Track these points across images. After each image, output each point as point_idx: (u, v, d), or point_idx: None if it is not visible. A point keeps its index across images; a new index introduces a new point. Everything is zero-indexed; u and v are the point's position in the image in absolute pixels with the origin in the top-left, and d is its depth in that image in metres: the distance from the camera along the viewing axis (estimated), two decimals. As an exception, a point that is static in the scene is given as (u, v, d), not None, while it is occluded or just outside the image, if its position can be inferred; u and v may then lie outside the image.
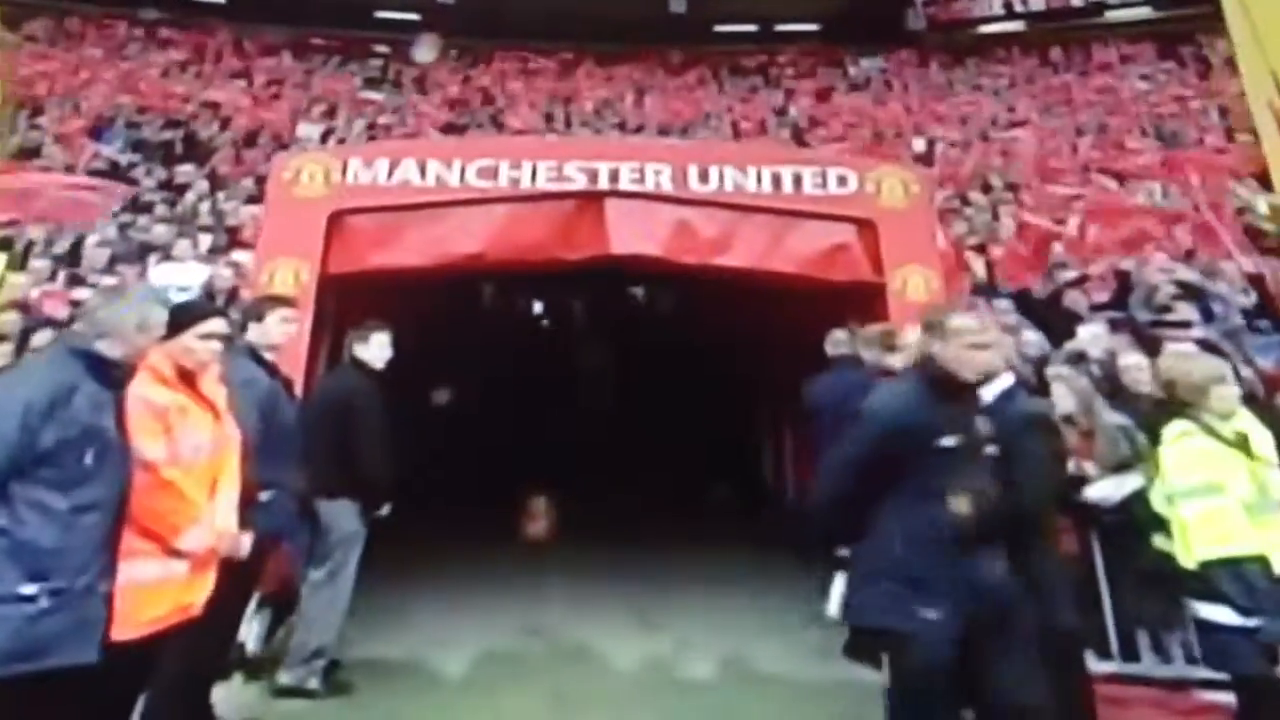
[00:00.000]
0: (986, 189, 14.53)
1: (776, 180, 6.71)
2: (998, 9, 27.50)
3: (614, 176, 6.63)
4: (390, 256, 6.44)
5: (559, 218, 6.56)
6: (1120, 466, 5.78)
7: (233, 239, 10.18)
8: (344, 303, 6.82)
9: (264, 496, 4.67)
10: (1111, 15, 26.91)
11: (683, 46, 26.37)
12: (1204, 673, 5.41)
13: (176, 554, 3.82)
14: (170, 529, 3.79)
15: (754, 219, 6.69)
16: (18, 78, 19.24)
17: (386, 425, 5.68)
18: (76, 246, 10.19)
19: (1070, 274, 9.21)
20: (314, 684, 5.39)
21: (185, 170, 14.62)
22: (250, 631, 5.78)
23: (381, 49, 26.30)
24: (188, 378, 4.04)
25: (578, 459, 11.41)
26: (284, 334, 5.20)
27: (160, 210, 12.21)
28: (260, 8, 25.64)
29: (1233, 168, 12.31)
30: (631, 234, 6.50)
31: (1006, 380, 4.30)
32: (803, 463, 9.66)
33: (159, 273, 9.04)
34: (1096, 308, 8.38)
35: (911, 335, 5.63)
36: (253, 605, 5.63)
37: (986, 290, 9.01)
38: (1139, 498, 5.40)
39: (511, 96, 22.40)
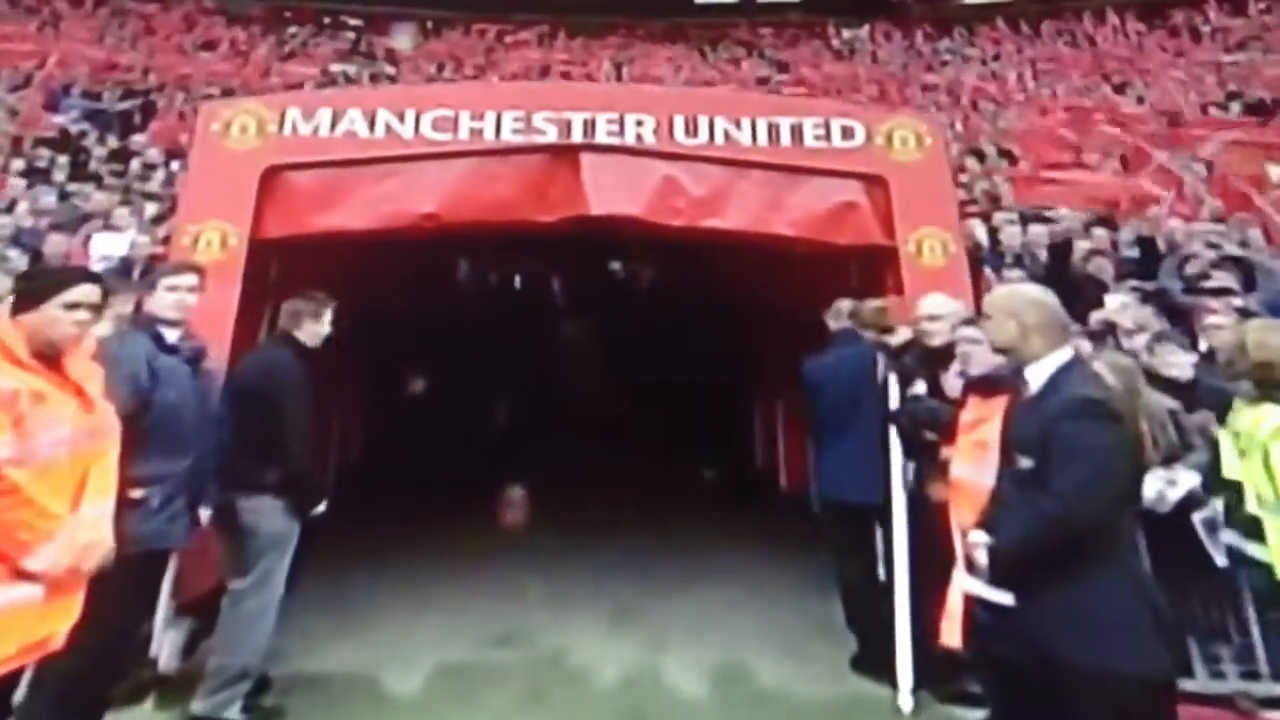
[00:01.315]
0: (980, 157, 13.73)
1: (774, 132, 5.80)
2: (984, -20, 26.83)
3: (589, 128, 5.70)
4: (333, 218, 5.51)
5: (528, 174, 5.63)
6: (1167, 459, 5.00)
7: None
8: (290, 271, 5.94)
9: (138, 494, 3.91)
10: (1098, -15, 26.23)
11: (664, 19, 25.54)
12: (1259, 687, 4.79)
13: (27, 576, 2.96)
14: (17, 545, 2.93)
15: (749, 176, 5.77)
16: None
17: (312, 409, 4.81)
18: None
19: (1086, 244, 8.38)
20: (233, 712, 4.49)
21: (139, 140, 13.69)
22: (164, 646, 4.91)
23: (355, 22, 25.45)
24: (48, 357, 3.15)
25: (556, 443, 10.64)
26: (176, 304, 4.34)
27: (109, 180, 11.30)
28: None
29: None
30: (611, 193, 5.59)
31: (1062, 355, 3.40)
32: (795, 445, 8.85)
33: (96, 241, 8.26)
34: (1122, 276, 7.56)
35: (937, 305, 4.81)
36: (164, 614, 4.80)
37: (992, 259, 8.16)
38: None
39: (488, 70, 21.46)
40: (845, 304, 5.64)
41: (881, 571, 5.30)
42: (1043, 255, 8.34)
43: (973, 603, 3.56)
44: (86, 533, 3.14)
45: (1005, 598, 3.26)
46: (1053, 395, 3.25)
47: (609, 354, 13.76)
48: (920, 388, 4.68)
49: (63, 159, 12.22)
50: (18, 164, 11.86)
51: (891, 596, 4.96)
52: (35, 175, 11.45)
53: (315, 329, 4.97)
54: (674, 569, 7.18)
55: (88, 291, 3.27)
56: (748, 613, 6.37)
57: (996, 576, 3.23)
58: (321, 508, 4.95)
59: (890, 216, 5.73)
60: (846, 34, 24.99)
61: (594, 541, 7.69)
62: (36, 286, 3.19)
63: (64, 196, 10.46)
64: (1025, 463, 3.18)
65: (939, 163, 5.90)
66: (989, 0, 26.43)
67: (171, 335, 4.31)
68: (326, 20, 25.49)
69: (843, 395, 5.38)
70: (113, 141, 13.80)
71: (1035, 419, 3.21)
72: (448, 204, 5.54)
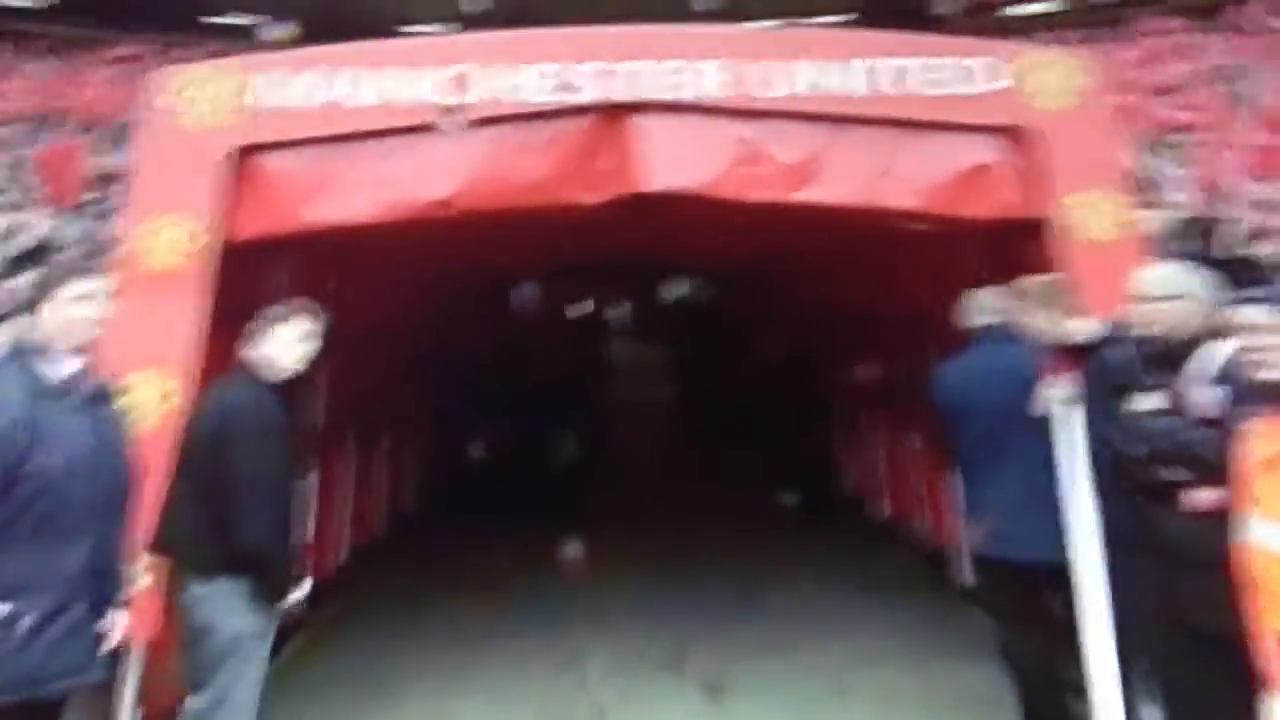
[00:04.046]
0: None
1: (882, 77, 4.09)
2: (1027, -12, 25.13)
3: (643, 82, 4.04)
4: (321, 209, 3.93)
5: (564, 145, 4.04)
6: None
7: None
8: (301, 285, 4.38)
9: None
10: (1143, -13, 24.34)
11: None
12: None
13: None
14: None
15: (851, 135, 4.09)
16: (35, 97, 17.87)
17: (281, 464, 3.27)
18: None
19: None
20: None
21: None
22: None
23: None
24: None
25: (620, 476, 9.19)
26: (87, 322, 2.78)
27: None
28: (289, 19, 23.79)
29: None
30: (672, 163, 3.98)
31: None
32: (897, 470, 7.12)
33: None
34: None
35: (1169, 282, 3.09)
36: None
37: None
38: None
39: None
40: (988, 294, 3.99)
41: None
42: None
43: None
44: None
45: None
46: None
47: (675, 377, 12.43)
48: (1150, 402, 2.94)
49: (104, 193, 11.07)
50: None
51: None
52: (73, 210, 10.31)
53: (287, 353, 3.45)
54: (762, 623, 5.54)
55: None
56: (859, 680, 4.75)
57: None
58: (300, 594, 3.40)
59: (1038, 180, 4.03)
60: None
61: (664, 591, 6.07)
62: None
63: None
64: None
65: (1097, 109, 4.18)
66: (1035, 11, 24.69)
67: (65, 370, 2.76)
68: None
69: (997, 411, 3.74)
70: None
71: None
72: (464, 186, 3.94)
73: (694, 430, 11.24)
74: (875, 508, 7.61)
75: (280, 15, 24.50)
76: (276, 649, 3.63)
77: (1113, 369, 3.13)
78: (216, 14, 25.40)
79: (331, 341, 3.75)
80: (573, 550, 6.76)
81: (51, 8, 24.51)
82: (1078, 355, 3.53)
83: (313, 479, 5.43)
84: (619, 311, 14.42)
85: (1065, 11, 24.14)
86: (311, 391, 5.34)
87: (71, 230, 8.84)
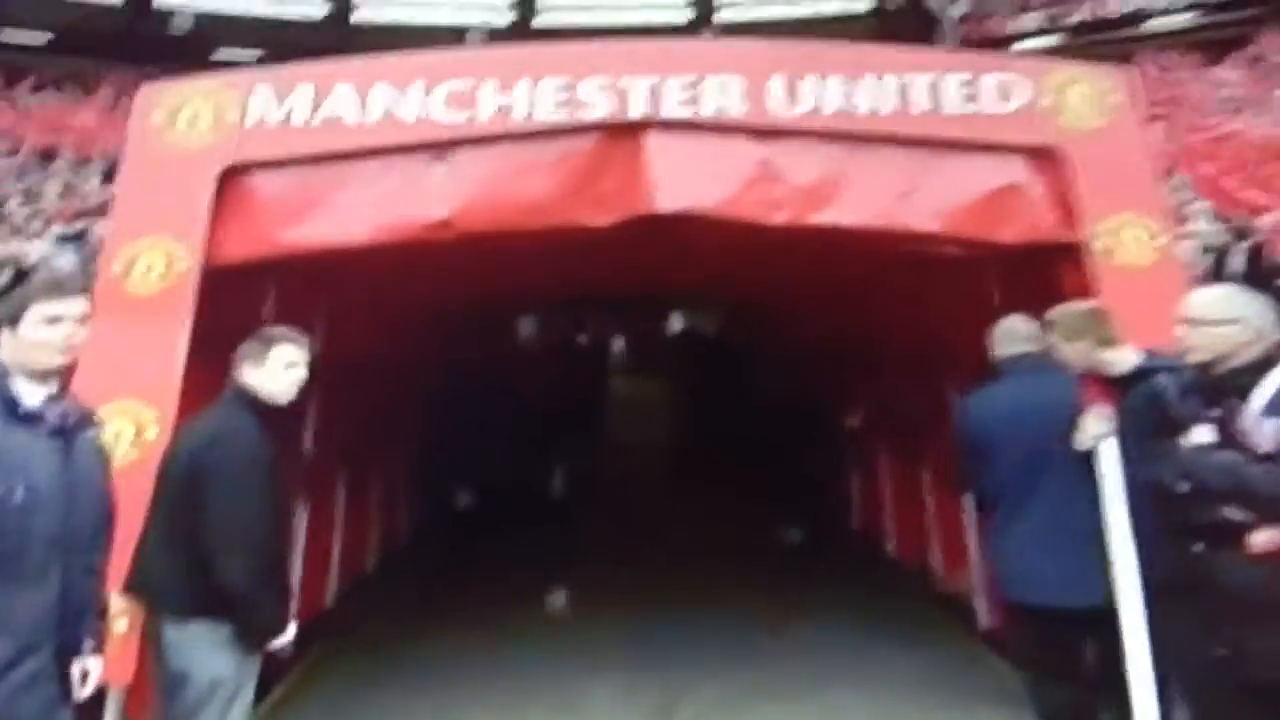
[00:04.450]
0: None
1: (904, 95, 3.93)
2: (1032, 25, 25.19)
3: (656, 98, 3.88)
4: (313, 230, 3.74)
5: (573, 164, 3.86)
6: None
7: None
8: (293, 309, 4.18)
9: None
10: (1151, 24, 24.40)
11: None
12: None
13: None
14: None
15: (873, 155, 3.93)
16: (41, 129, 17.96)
17: (265, 499, 3.05)
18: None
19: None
20: None
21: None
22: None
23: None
24: None
25: (621, 512, 8.97)
26: (60, 345, 2.55)
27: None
28: (288, 57, 24.01)
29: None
30: (685, 183, 3.80)
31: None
32: (909, 506, 6.88)
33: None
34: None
35: (1221, 305, 2.88)
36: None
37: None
38: None
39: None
40: (1019, 322, 3.79)
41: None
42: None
43: None
44: None
45: None
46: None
47: (678, 412, 12.22)
48: (1203, 435, 2.73)
49: (100, 222, 10.97)
50: (57, 230, 10.76)
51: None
52: (67, 240, 10.19)
53: (283, 379, 3.24)
54: (763, 668, 5.22)
55: None
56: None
57: None
58: (285, 639, 3.18)
59: (1069, 203, 3.86)
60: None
61: (661, 630, 5.74)
62: None
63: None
64: None
65: (1130, 128, 4.02)
66: (1042, 45, 24.79)
67: (33, 396, 2.55)
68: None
69: (1028, 446, 3.53)
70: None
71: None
72: (466, 207, 3.76)
73: (697, 465, 11.01)
74: (885, 545, 7.36)
75: (281, 52, 24.76)
76: (262, 693, 3.42)
77: (1157, 401, 2.93)
78: (219, 48, 25.73)
79: (321, 370, 3.56)
80: (558, 600, 6.47)
81: (51, 44, 25.09)
82: (1115, 387, 3.34)
83: (300, 514, 5.23)
84: (619, 343, 14.21)
85: (1073, 46, 24.13)
86: (300, 422, 5.16)
87: (65, 259, 8.73)
